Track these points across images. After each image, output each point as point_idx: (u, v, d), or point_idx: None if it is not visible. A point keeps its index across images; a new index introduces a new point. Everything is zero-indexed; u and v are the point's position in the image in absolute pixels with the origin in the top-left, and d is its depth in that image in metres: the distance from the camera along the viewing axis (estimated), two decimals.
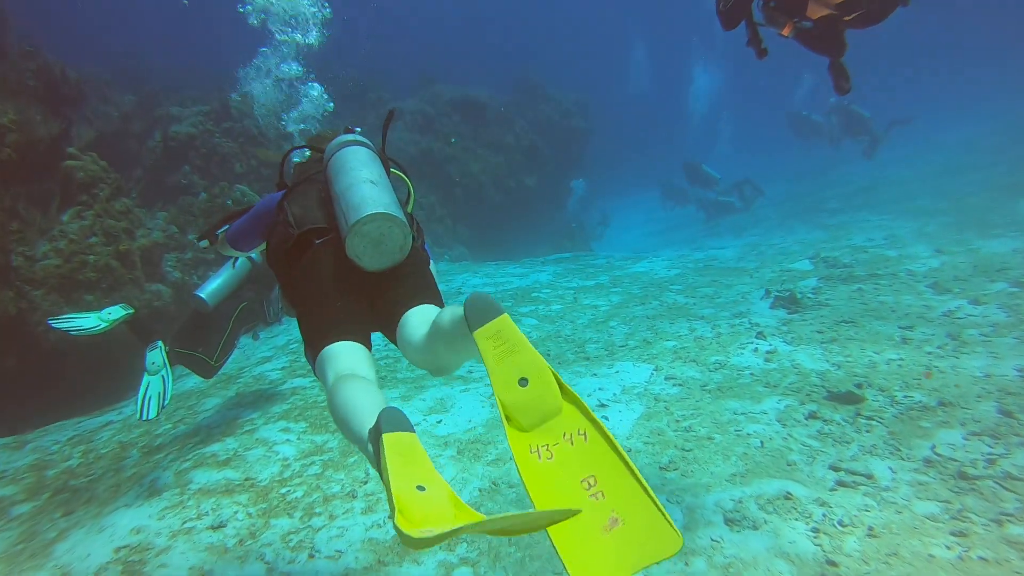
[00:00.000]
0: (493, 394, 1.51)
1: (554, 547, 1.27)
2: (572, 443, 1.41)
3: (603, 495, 1.32)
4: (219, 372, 6.03)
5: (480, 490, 3.85)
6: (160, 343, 5.03)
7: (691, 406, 4.63)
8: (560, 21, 50.01)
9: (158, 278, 8.05)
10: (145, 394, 4.74)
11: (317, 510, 3.77)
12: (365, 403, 1.73)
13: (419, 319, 2.16)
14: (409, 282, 2.32)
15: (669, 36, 43.62)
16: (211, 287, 5.08)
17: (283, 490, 4.01)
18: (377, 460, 1.47)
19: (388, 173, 2.62)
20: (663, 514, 1.27)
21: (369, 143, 2.66)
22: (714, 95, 35.95)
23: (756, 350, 5.53)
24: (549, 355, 6.21)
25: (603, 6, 49.73)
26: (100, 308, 5.20)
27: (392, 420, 1.49)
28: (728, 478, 3.58)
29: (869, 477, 3.35)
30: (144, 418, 4.54)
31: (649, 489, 1.31)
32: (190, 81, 13.69)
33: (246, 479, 4.18)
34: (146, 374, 4.87)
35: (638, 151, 36.01)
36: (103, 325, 5.03)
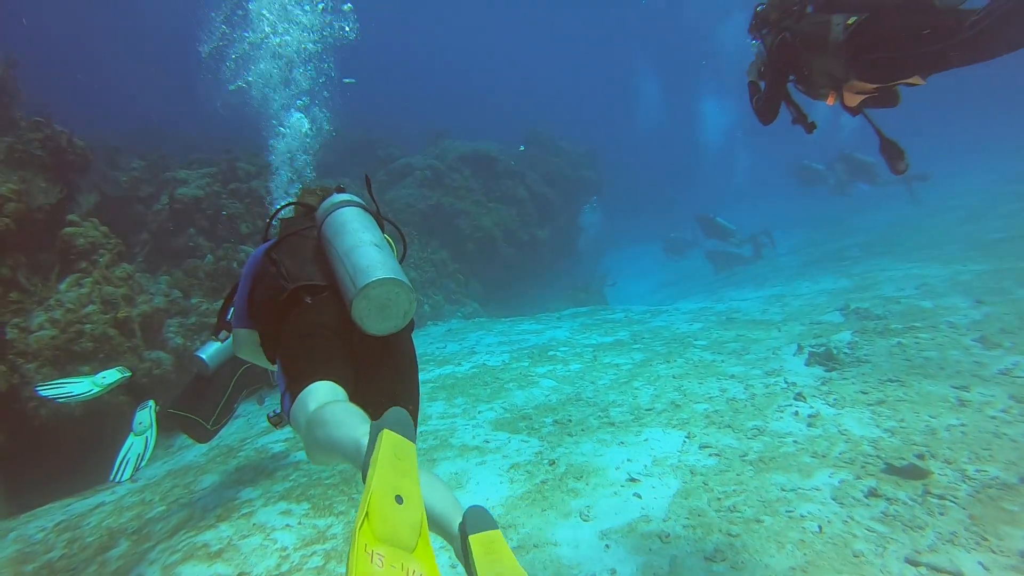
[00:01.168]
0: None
1: None
2: None
3: None
4: (221, 443, 5.63)
5: None
6: (151, 402, 4.74)
7: (732, 480, 4.18)
8: (565, 66, 50.71)
9: (159, 345, 7.74)
10: (125, 455, 4.46)
11: None
12: (357, 411, 1.75)
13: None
14: (398, 373, 2.31)
15: (677, 68, 43.73)
16: (212, 348, 4.86)
17: None
18: (367, 454, 1.44)
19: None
20: None
21: (364, 203, 2.62)
22: (727, 125, 35.67)
23: (797, 414, 5.09)
24: (571, 420, 5.79)
25: (608, 46, 50.34)
26: (95, 373, 4.94)
27: (399, 422, 1.51)
28: (787, 573, 3.11)
29: None
30: (118, 479, 4.34)
31: None
32: (200, 145, 13.69)
33: (239, 575, 3.75)
34: (131, 434, 4.58)
35: (650, 196, 35.79)
36: (95, 390, 4.73)
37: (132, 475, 4.36)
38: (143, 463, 4.47)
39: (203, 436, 4.94)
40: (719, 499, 3.96)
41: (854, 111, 3.08)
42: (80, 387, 4.73)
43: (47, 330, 6.47)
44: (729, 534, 3.54)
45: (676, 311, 11.61)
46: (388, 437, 1.42)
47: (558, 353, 8.72)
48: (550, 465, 4.85)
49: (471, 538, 1.55)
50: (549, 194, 18.84)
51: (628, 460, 4.75)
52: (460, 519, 1.67)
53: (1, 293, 6.51)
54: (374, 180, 16.75)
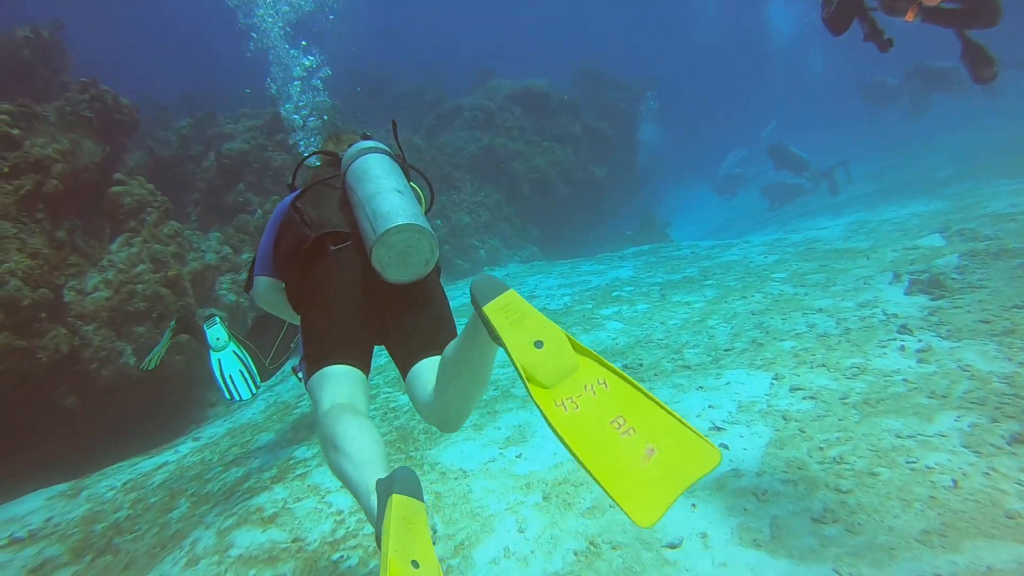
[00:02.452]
0: (510, 361, 1.48)
1: (602, 487, 1.27)
2: (595, 393, 1.40)
3: (634, 430, 1.33)
4: (279, 400, 5.49)
5: (576, 553, 3.03)
6: (217, 317, 4.60)
7: (834, 427, 3.66)
8: None
9: (212, 302, 7.64)
10: (223, 374, 4.37)
11: None
12: (369, 446, 1.78)
13: (431, 374, 2.12)
14: (427, 316, 2.26)
15: None
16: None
17: (335, 556, 3.31)
18: (379, 518, 1.51)
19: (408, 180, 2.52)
20: (696, 433, 1.32)
21: (389, 150, 2.55)
22: (797, 23, 32.33)
23: (903, 348, 4.47)
24: (642, 365, 5.32)
25: None
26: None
27: (407, 483, 1.55)
28: (919, 538, 2.61)
29: None
30: (237, 399, 4.36)
31: (678, 415, 1.35)
32: (245, 101, 13.45)
33: (293, 540, 3.51)
34: (212, 352, 4.45)
35: (710, 124, 33.76)
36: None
37: (253, 391, 4.35)
38: (251, 377, 4.45)
39: (261, 371, 4.80)
40: (821, 449, 3.46)
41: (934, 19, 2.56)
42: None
43: (102, 292, 6.39)
44: (838, 490, 3.05)
45: (747, 244, 10.86)
46: (398, 502, 1.46)
47: (623, 293, 8.21)
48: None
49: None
50: (605, 129, 17.93)
51: (710, 406, 4.27)
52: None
53: (59, 256, 6.43)
54: (423, 126, 16.35)
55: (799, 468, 3.32)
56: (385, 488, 1.53)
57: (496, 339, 1.55)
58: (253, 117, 11.56)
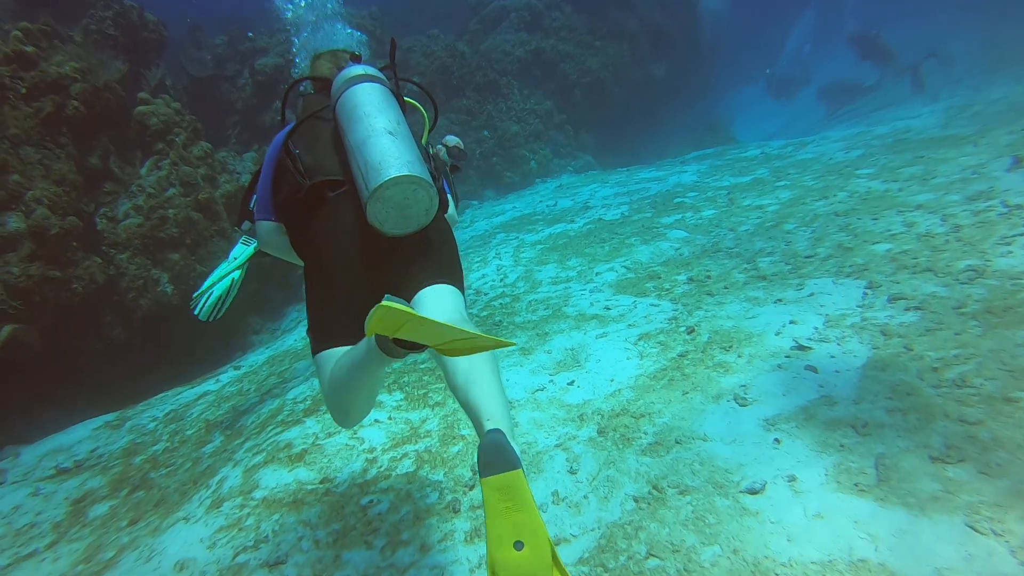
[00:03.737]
0: (485, 552, 1.43)
1: None
2: None
3: None
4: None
5: (636, 499, 2.57)
6: (255, 243, 4.45)
7: (950, 342, 3.03)
8: None
9: None
10: (208, 289, 4.34)
11: (404, 535, 2.68)
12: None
13: (431, 303, 1.98)
14: (431, 258, 2.09)
15: None
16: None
17: (363, 500, 2.97)
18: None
19: (403, 110, 2.30)
20: None
21: (381, 76, 2.29)
22: None
23: None
24: (710, 277, 4.72)
25: None
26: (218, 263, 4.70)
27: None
28: None
29: None
30: (195, 311, 4.32)
31: None
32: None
33: (321, 481, 3.18)
34: (223, 263, 4.44)
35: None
36: (237, 274, 4.44)
37: (208, 317, 4.32)
38: (221, 311, 4.37)
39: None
40: (935, 370, 2.85)
41: None
42: (222, 283, 4.35)
43: (133, 218, 6.13)
44: (964, 421, 2.46)
45: (824, 139, 9.81)
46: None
47: (686, 200, 7.48)
48: (688, 334, 3.88)
49: (483, 482, 1.44)
50: (664, 23, 16.44)
51: (791, 322, 3.67)
52: (492, 425, 1.61)
53: (90, 182, 6.17)
54: (467, 31, 15.32)
55: (908, 394, 2.73)
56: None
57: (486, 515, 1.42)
58: (287, 31, 10.92)
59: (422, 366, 4.43)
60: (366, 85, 2.13)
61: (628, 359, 3.80)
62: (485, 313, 5.22)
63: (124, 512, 3.61)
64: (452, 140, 3.02)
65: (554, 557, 1.36)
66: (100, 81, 6.23)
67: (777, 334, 3.58)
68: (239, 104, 10.09)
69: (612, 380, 3.62)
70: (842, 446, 2.53)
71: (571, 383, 3.71)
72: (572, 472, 2.86)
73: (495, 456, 1.47)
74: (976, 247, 3.92)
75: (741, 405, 3.02)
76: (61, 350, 5.67)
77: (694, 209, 6.90)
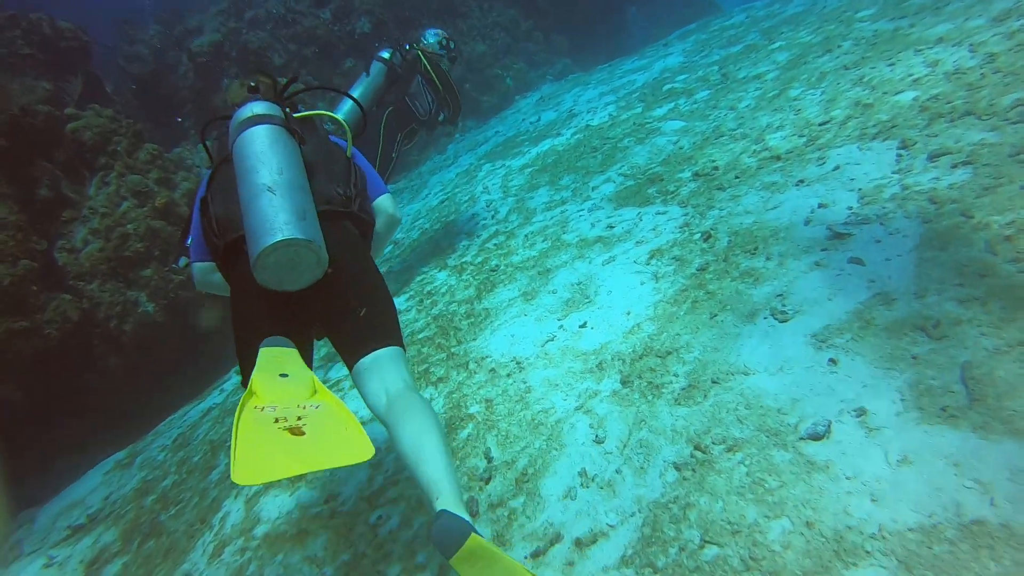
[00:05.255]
0: None
1: None
2: None
3: None
4: None
5: (678, 466, 2.14)
6: None
7: (1017, 200, 2.47)
8: None
9: None
10: None
11: (420, 557, 2.30)
12: None
13: (372, 376, 1.96)
14: (355, 317, 2.01)
15: None
16: (359, 88, 4.89)
17: (372, 518, 2.60)
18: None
19: (302, 137, 2.18)
20: None
21: (272, 114, 2.10)
22: None
23: None
24: (717, 168, 4.14)
25: None
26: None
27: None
28: None
29: None
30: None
31: None
32: None
33: (326, 501, 2.83)
34: None
35: None
36: None
37: None
38: None
39: None
40: (1007, 239, 2.30)
41: None
42: None
43: (92, 244, 5.69)
44: None
45: None
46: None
47: (676, 85, 6.78)
48: (705, 241, 3.36)
49: (451, 563, 1.45)
50: None
51: (820, 205, 3.13)
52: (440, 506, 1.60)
53: (49, 215, 5.72)
54: None
55: (981, 275, 2.21)
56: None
57: None
58: (217, 1, 10.10)
59: (419, 336, 4.01)
60: (250, 132, 2.02)
61: (642, 284, 3.32)
62: (480, 259, 4.74)
63: (135, 570, 3.33)
64: (431, 37, 2.73)
65: None
66: (15, 107, 5.67)
67: (807, 223, 3.05)
68: (186, 92, 9.42)
69: (628, 313, 3.15)
70: (914, 358, 2.05)
71: (583, 325, 3.25)
72: (599, 441, 2.43)
73: (449, 537, 1.45)
74: (1019, 76, 3.28)
75: (781, 320, 2.54)
76: (56, 394, 5.37)
77: (686, 94, 6.22)
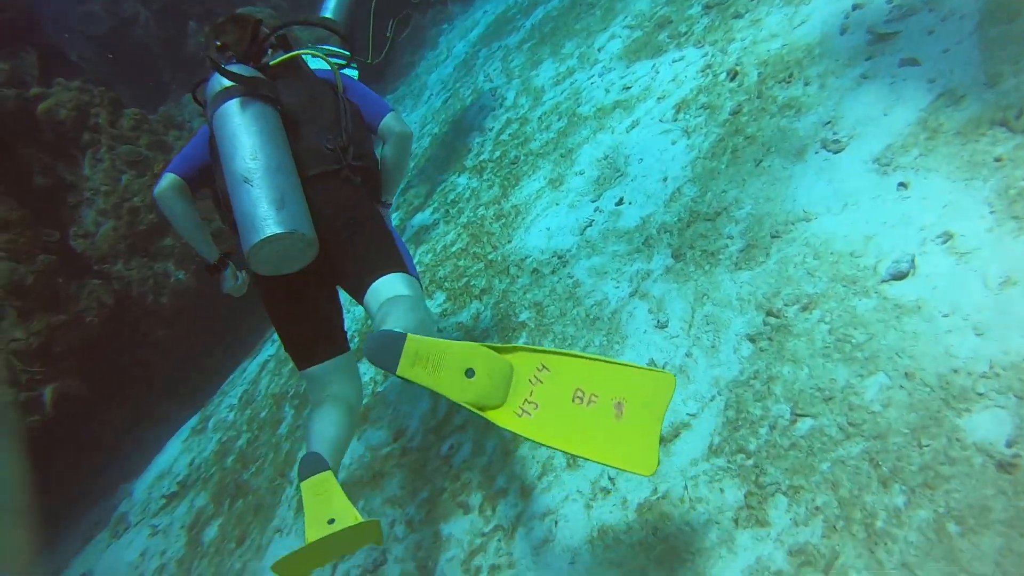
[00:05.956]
0: (452, 401, 1.36)
1: (599, 463, 1.29)
2: (542, 381, 1.38)
3: (595, 396, 1.33)
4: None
5: (752, 337, 1.98)
6: None
7: None
8: None
9: None
10: None
11: (500, 481, 2.23)
12: (325, 432, 1.83)
13: (377, 304, 1.86)
14: (356, 256, 1.97)
15: None
16: (331, 4, 4.72)
17: (443, 449, 2.53)
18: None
19: (276, 97, 2.00)
20: (643, 369, 1.32)
21: (235, 83, 1.92)
22: None
23: None
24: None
25: None
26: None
27: (306, 468, 1.63)
28: None
29: None
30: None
31: (618, 361, 1.36)
32: None
33: (395, 438, 2.78)
34: None
35: None
36: None
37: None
38: None
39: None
40: None
41: None
42: None
43: (105, 224, 5.59)
44: None
45: None
46: (306, 487, 1.57)
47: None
48: (732, 80, 3.02)
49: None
50: None
51: (855, 7, 2.74)
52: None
53: (53, 204, 5.61)
54: None
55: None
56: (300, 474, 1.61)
57: (430, 390, 1.38)
58: None
59: (452, 249, 3.84)
60: (219, 113, 1.90)
61: (673, 143, 3.04)
62: (497, 153, 4.46)
63: (231, 530, 3.43)
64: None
65: (495, 347, 1.39)
66: None
67: (843, 32, 2.69)
68: (154, 46, 8.95)
69: (665, 179, 2.89)
70: (998, 160, 1.78)
71: (620, 202, 3.01)
72: (661, 326, 2.27)
73: (384, 347, 1.40)
74: None
75: (835, 151, 2.27)
76: (117, 377, 5.47)
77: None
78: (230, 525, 3.48)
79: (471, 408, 1.34)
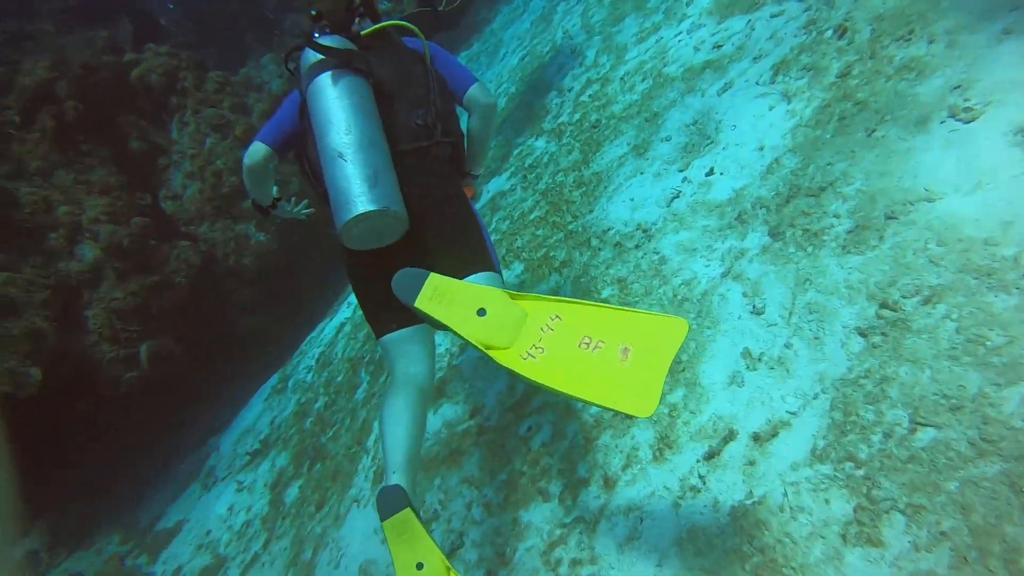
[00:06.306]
0: (459, 337, 1.42)
1: (599, 405, 1.28)
2: (553, 329, 1.39)
3: (603, 342, 1.33)
4: None
5: (863, 331, 1.79)
6: None
7: None
8: None
9: None
10: None
11: (581, 470, 2.15)
12: (399, 443, 1.76)
13: None
14: (444, 243, 1.97)
15: None
16: None
17: (522, 429, 2.47)
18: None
19: (368, 69, 1.98)
20: (655, 315, 1.32)
21: (329, 55, 1.91)
22: None
23: None
24: None
25: None
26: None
27: (386, 505, 1.56)
28: None
29: None
30: None
31: (630, 308, 1.36)
32: None
33: (472, 415, 2.74)
34: None
35: None
36: None
37: None
38: None
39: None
40: None
41: None
42: None
43: (191, 187, 5.75)
44: None
45: None
46: (387, 527, 1.51)
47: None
48: (840, 38, 2.73)
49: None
50: None
51: None
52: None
53: (147, 167, 5.83)
54: None
55: None
56: (380, 513, 1.56)
57: (440, 326, 1.48)
58: None
59: (531, 218, 3.73)
60: (314, 86, 1.89)
61: (771, 109, 2.80)
62: (577, 116, 4.28)
63: (311, 493, 3.53)
64: None
65: (512, 295, 1.44)
66: (77, 67, 5.60)
67: None
68: (234, 5, 9.06)
69: (762, 148, 2.67)
70: None
71: (711, 172, 2.81)
72: (757, 312, 2.11)
73: (407, 281, 1.51)
74: None
75: (967, 120, 2.00)
76: (205, 335, 5.70)
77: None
78: (310, 488, 3.58)
79: (477, 345, 1.40)
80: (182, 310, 5.33)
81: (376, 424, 3.39)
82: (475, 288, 1.47)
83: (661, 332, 1.29)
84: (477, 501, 2.37)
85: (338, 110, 1.85)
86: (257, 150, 2.13)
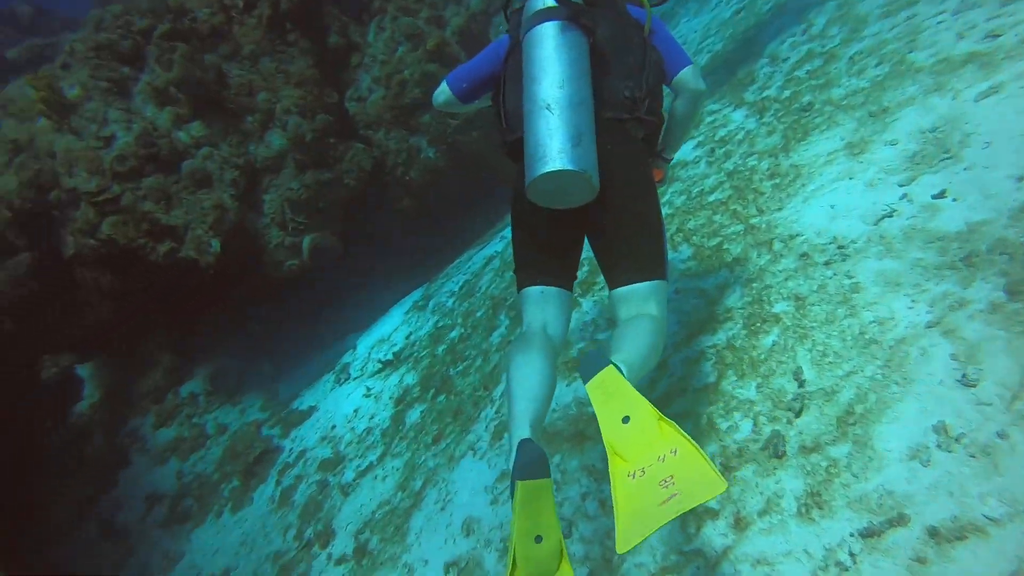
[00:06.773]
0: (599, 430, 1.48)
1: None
2: (663, 460, 1.39)
3: (674, 485, 1.31)
4: None
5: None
6: None
7: None
8: None
9: None
10: None
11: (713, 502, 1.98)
12: (528, 395, 1.73)
13: (621, 312, 1.92)
14: (622, 232, 1.93)
15: None
16: None
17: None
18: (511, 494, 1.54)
19: (592, 28, 1.90)
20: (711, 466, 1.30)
21: (570, 6, 1.86)
22: None
23: None
24: None
25: None
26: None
27: (528, 467, 1.49)
28: None
29: None
30: None
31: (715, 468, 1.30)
32: None
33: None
34: None
35: None
36: None
37: None
38: None
39: None
40: None
41: None
42: None
43: (376, 92, 5.87)
44: None
45: None
46: (521, 489, 1.44)
47: None
48: None
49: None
50: None
51: None
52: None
53: (339, 63, 6.02)
54: None
55: None
56: (515, 473, 1.49)
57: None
58: None
59: (710, 198, 3.43)
60: (535, 33, 1.86)
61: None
62: (788, 92, 3.80)
63: (430, 423, 3.61)
64: None
65: (659, 416, 1.43)
66: None
67: None
68: None
69: (1021, 178, 2.22)
70: None
71: (941, 194, 2.36)
72: (968, 383, 1.76)
73: (589, 363, 1.60)
74: None
75: None
76: (364, 240, 5.94)
77: None
78: (430, 418, 3.66)
79: (607, 447, 1.45)
80: (347, 211, 5.56)
81: (504, 376, 3.38)
82: (633, 395, 1.48)
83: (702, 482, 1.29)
84: (594, 494, 2.27)
85: (555, 62, 1.81)
86: (442, 92, 2.18)
